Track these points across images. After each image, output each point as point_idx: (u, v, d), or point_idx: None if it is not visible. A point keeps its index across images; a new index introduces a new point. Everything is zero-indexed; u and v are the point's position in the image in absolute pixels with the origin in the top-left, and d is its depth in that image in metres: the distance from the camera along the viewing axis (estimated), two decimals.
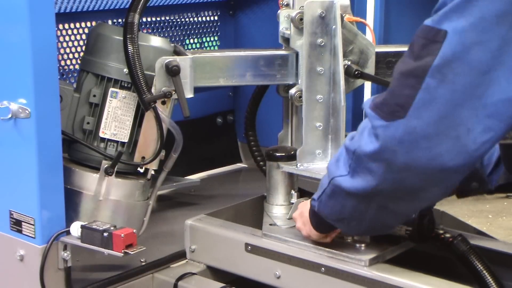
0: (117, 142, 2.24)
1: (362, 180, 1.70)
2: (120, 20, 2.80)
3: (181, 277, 2.22)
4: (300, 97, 2.27)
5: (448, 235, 2.08)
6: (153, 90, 2.17)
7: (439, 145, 1.57)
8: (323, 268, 2.02)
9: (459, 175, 1.64)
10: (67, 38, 2.72)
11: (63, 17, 2.66)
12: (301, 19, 2.23)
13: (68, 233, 2.04)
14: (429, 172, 1.61)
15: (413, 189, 1.67)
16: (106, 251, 1.98)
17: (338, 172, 1.78)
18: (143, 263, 2.26)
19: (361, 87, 2.79)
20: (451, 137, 1.56)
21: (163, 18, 3.03)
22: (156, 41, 2.25)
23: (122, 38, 2.15)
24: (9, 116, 1.96)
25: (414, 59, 1.58)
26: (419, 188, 1.67)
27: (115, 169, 2.18)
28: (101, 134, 2.23)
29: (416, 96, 1.56)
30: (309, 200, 2.06)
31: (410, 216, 1.85)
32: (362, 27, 2.43)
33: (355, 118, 2.93)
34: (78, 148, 2.24)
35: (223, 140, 3.25)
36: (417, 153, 1.59)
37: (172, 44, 2.30)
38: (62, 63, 2.71)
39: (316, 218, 1.98)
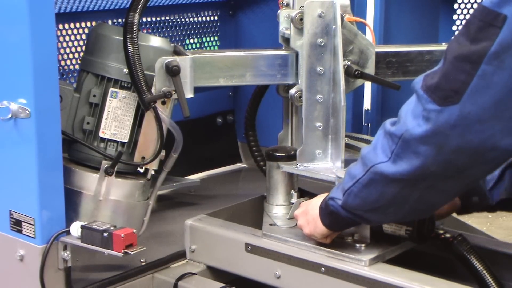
0: (117, 142, 2.24)
1: (407, 164, 1.68)
2: (120, 20, 2.80)
3: (181, 277, 2.22)
4: (300, 97, 2.27)
5: (448, 235, 2.08)
6: (153, 90, 2.17)
7: (492, 127, 1.57)
8: (323, 268, 2.02)
9: (509, 153, 1.63)
10: (67, 38, 2.72)
11: (63, 17, 2.66)
12: (301, 19, 2.23)
13: (68, 233, 2.03)
14: (480, 153, 1.61)
15: (463, 168, 1.66)
16: (106, 251, 1.98)
17: (378, 159, 1.75)
18: (143, 263, 2.26)
19: (361, 87, 2.79)
20: (505, 119, 1.56)
21: (163, 18, 3.03)
22: (156, 41, 2.25)
23: (122, 38, 2.15)
24: (9, 116, 1.96)
25: (470, 41, 1.55)
26: (469, 167, 1.66)
27: (115, 169, 2.18)
28: (101, 134, 2.23)
29: (471, 82, 1.55)
30: (314, 199, 2.06)
31: (458, 194, 1.82)
32: (362, 27, 2.43)
33: (355, 118, 2.93)
34: (78, 148, 2.24)
35: (223, 140, 3.25)
36: (470, 136, 1.59)
37: (172, 44, 2.30)
38: (62, 63, 2.71)
39: (332, 217, 1.95)
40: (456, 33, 1.65)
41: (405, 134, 1.66)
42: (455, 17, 3.04)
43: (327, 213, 1.96)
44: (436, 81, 1.61)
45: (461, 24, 3.11)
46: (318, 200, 2.02)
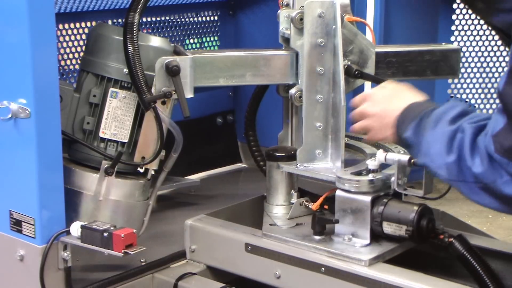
0: (117, 142, 2.24)
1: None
2: (120, 20, 2.81)
3: (181, 277, 2.22)
4: (300, 97, 2.27)
5: (448, 235, 2.08)
6: (153, 90, 2.17)
7: None
8: (323, 268, 2.03)
9: None
10: (67, 38, 2.73)
11: (63, 17, 2.66)
12: (301, 19, 2.23)
13: (68, 233, 2.04)
14: None
15: None
16: (106, 251, 1.98)
17: (496, 179, 1.67)
18: (143, 263, 2.26)
19: (361, 87, 2.79)
20: None
21: (163, 18, 3.03)
22: (156, 41, 2.25)
23: (122, 38, 2.15)
24: (9, 116, 1.97)
25: None
26: None
27: (115, 169, 2.18)
28: (101, 134, 2.23)
29: None
30: (394, 103, 1.95)
31: None
32: (362, 27, 2.43)
33: None
34: (78, 148, 2.25)
35: (223, 140, 3.25)
36: None
37: (172, 44, 2.30)
38: (62, 63, 2.72)
39: (404, 145, 1.91)
40: (504, 81, 1.59)
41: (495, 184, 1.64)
42: (454, 17, 3.05)
43: (401, 140, 1.90)
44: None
45: (460, 24, 3.12)
46: (397, 104, 1.92)
